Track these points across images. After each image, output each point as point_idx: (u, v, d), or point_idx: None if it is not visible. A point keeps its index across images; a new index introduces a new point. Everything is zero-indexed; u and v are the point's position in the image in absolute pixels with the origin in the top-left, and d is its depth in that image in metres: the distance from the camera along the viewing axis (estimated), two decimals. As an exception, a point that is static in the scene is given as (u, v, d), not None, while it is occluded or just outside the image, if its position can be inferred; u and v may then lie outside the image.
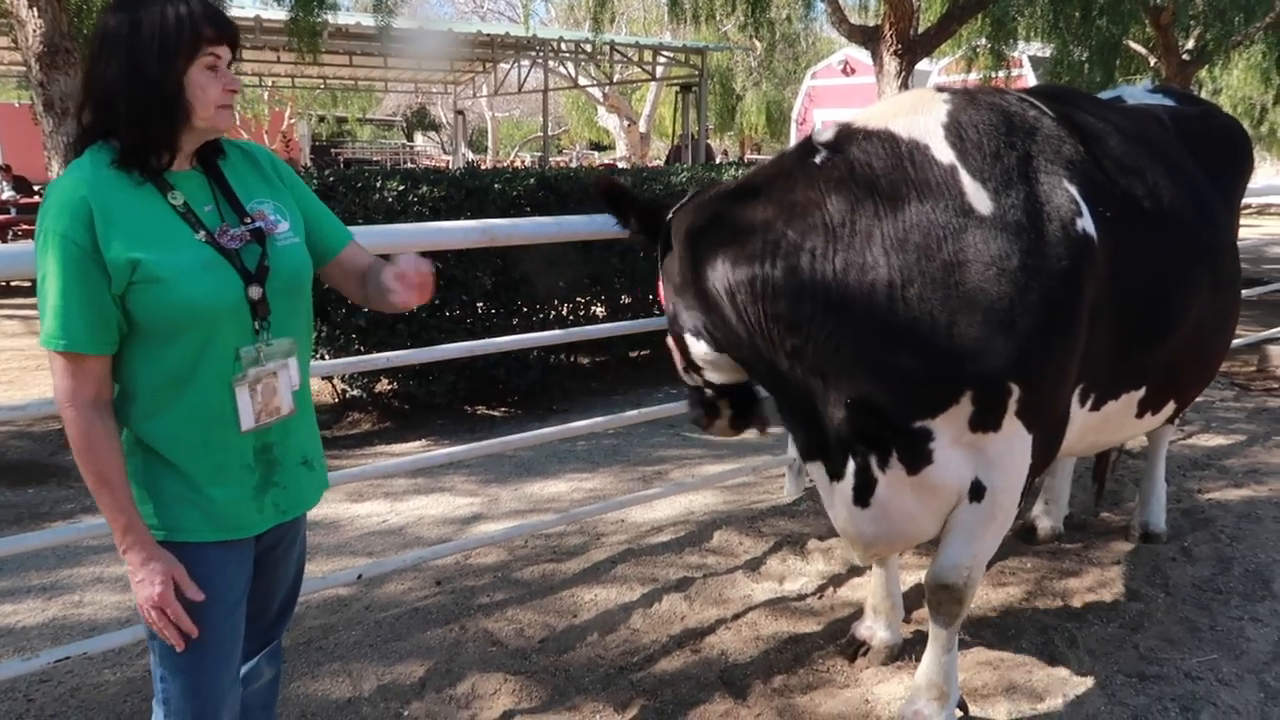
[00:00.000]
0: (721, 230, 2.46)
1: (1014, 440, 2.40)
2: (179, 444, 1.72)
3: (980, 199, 2.31)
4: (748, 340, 2.46)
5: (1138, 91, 3.69)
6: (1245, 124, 3.94)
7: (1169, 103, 3.45)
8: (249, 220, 1.78)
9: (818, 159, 2.42)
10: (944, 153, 2.36)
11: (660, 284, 2.81)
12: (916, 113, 2.46)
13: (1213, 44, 10.55)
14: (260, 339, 1.76)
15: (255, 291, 1.74)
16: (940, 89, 2.61)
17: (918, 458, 2.38)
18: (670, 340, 2.80)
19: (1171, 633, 3.21)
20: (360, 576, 3.35)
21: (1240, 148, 3.51)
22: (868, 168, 2.35)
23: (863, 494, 2.46)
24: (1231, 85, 14.75)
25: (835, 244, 2.30)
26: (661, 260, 2.74)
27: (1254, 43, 11.77)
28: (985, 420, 2.34)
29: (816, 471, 2.60)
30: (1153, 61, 11.80)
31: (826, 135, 2.48)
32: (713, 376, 2.75)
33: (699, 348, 2.65)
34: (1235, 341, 3.45)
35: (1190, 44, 11.19)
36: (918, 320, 2.25)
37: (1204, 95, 13.90)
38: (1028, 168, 2.40)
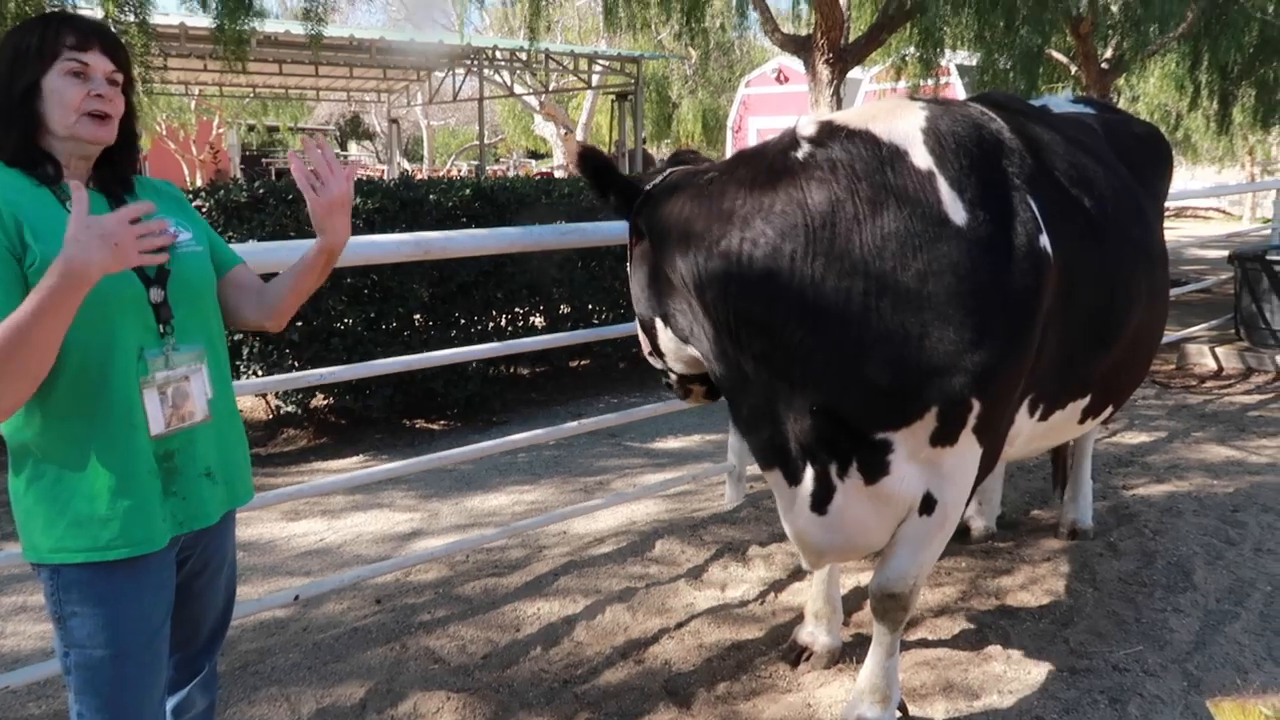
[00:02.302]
0: (697, 220, 2.36)
1: (966, 454, 2.42)
2: (89, 446, 1.68)
3: (956, 210, 2.29)
4: (713, 337, 2.41)
5: (1061, 101, 3.79)
6: (1162, 130, 4.09)
7: (1091, 111, 3.55)
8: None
9: (800, 153, 2.35)
10: (923, 159, 2.33)
11: (629, 265, 2.74)
12: (895, 118, 2.42)
13: (1129, 53, 10.91)
14: (166, 343, 1.74)
15: (156, 294, 1.73)
16: (914, 97, 2.62)
17: (876, 469, 2.37)
18: (637, 323, 2.76)
19: (1100, 626, 3.31)
20: (297, 597, 3.29)
21: (1162, 152, 3.64)
22: (850, 169, 2.29)
23: (820, 502, 2.45)
24: (1148, 93, 15.26)
25: (814, 247, 2.24)
26: (631, 242, 2.66)
27: (1168, 52, 12.22)
28: (944, 436, 2.34)
29: (773, 477, 2.55)
30: (1074, 70, 12.17)
31: (809, 130, 2.42)
32: (676, 366, 2.73)
33: (664, 337, 2.61)
34: (1155, 342, 3.59)
35: (1109, 53, 11.56)
36: (891, 331, 2.22)
37: (1122, 102, 14.41)
38: (998, 180, 2.39)
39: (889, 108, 2.51)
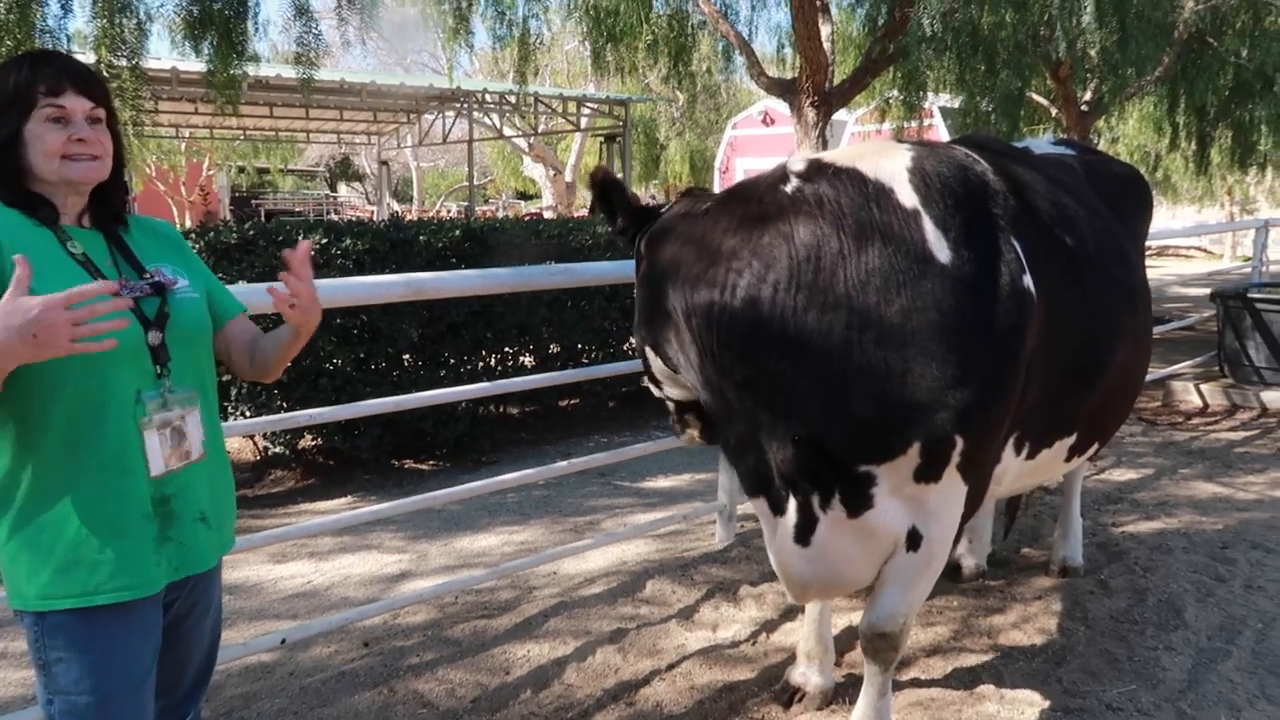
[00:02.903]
0: (686, 249, 2.43)
1: (951, 491, 2.42)
2: (80, 493, 1.67)
3: (940, 248, 2.31)
4: (698, 364, 2.43)
5: (1043, 143, 3.85)
6: (1142, 170, 4.16)
7: (1072, 153, 3.61)
8: (148, 275, 1.80)
9: (789, 188, 2.40)
10: (908, 197, 2.37)
11: (635, 290, 2.78)
12: (882, 157, 2.46)
13: (1108, 95, 11.12)
14: (162, 384, 1.75)
15: (155, 337, 1.74)
16: (899, 139, 2.67)
17: (859, 502, 2.38)
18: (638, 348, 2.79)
19: (1092, 665, 3.29)
20: (284, 641, 3.25)
21: (1142, 193, 3.70)
22: (836, 204, 2.33)
23: (803, 532, 2.45)
24: (1127, 134, 15.52)
25: (798, 279, 2.27)
26: (637, 268, 2.70)
27: (1146, 94, 12.44)
28: (928, 472, 2.34)
29: (759, 505, 2.57)
30: (1054, 112, 12.37)
31: (799, 166, 2.46)
32: (671, 393, 2.77)
33: (656, 363, 2.66)
34: (1140, 379, 3.62)
35: (1088, 95, 11.77)
36: (873, 366, 2.25)
37: (1102, 144, 14.63)
38: (982, 220, 2.42)
39: (876, 148, 2.56)
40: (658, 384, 2.79)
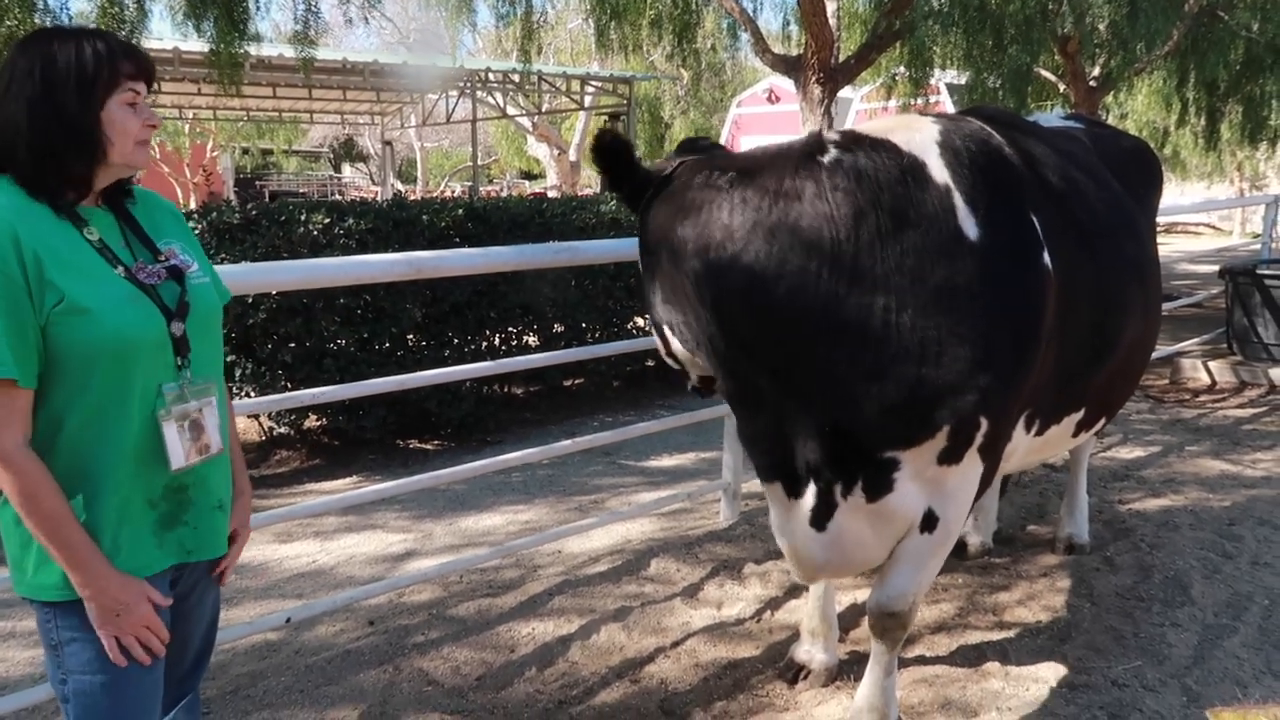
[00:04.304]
0: (714, 230, 2.22)
1: (970, 472, 2.40)
2: (97, 485, 1.65)
3: (970, 225, 2.26)
4: (725, 353, 2.31)
5: (1051, 118, 3.81)
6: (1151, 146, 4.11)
7: (1081, 127, 3.57)
8: (163, 258, 1.77)
9: (826, 159, 2.27)
10: (940, 172, 2.30)
11: (640, 262, 2.58)
12: (912, 130, 2.40)
13: (1116, 71, 11.00)
14: (183, 376, 1.73)
15: (178, 328, 1.72)
16: (923, 114, 2.59)
17: (881, 487, 2.34)
18: (652, 324, 2.64)
19: (1098, 642, 3.29)
20: (289, 620, 3.26)
21: (1152, 167, 3.65)
22: (874, 179, 2.23)
23: (820, 519, 2.40)
24: (1136, 110, 15.39)
25: (840, 263, 2.17)
26: (642, 236, 2.49)
27: (1156, 69, 12.32)
28: (952, 454, 2.31)
29: (773, 491, 2.49)
30: (1062, 88, 12.26)
31: (834, 136, 2.36)
32: (692, 371, 2.63)
33: (675, 344, 2.50)
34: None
35: (1096, 71, 11.66)
36: (909, 349, 2.18)
37: (1111, 119, 14.51)
38: (1005, 196, 2.38)
39: (904, 121, 2.49)
40: (675, 359, 2.64)
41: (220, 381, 1.87)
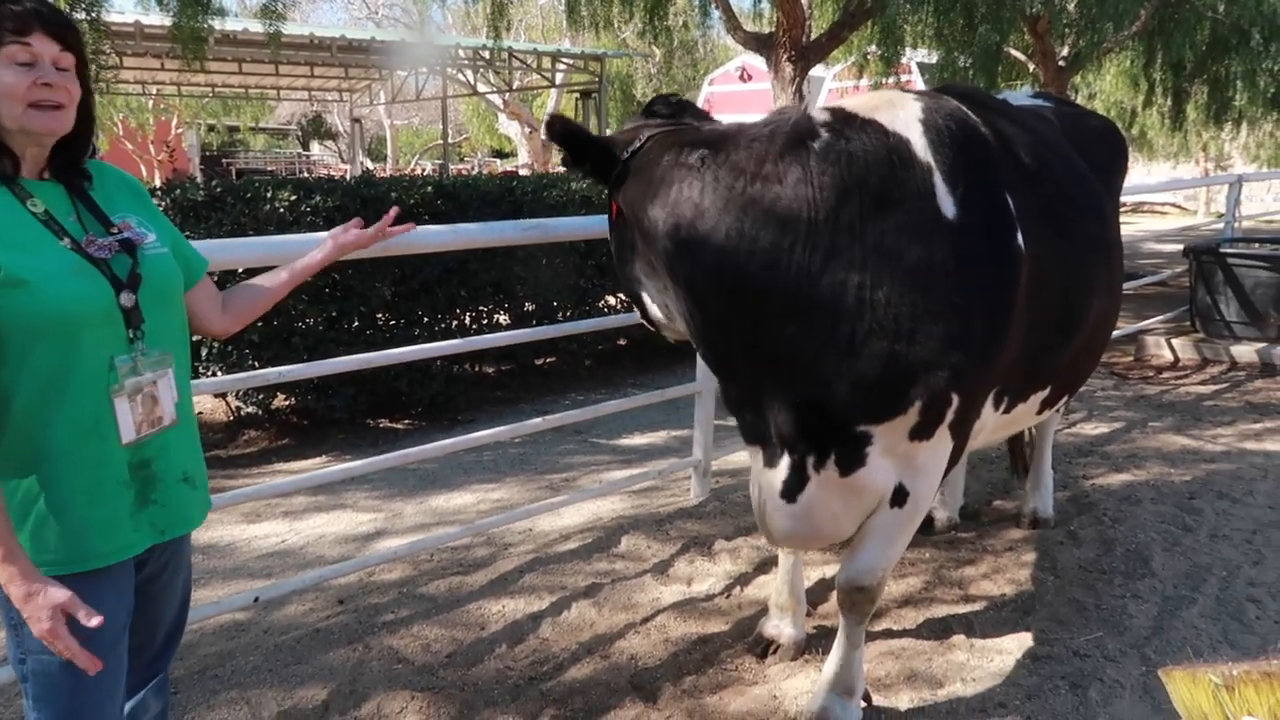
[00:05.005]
0: (685, 209, 2.26)
1: (940, 449, 2.43)
2: (53, 462, 1.63)
3: (948, 205, 2.28)
4: (701, 325, 2.37)
5: (1020, 97, 3.82)
6: (1118, 125, 4.15)
7: (1049, 105, 3.59)
8: (115, 230, 1.73)
9: (817, 144, 2.27)
10: (923, 151, 2.32)
11: (610, 230, 2.64)
12: (895, 108, 2.41)
13: (1085, 50, 11.09)
14: (135, 348, 1.69)
15: (127, 299, 1.67)
16: (904, 90, 2.60)
17: (853, 461, 2.36)
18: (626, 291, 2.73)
19: (1060, 613, 3.35)
20: (257, 599, 3.24)
21: (1118, 146, 3.69)
22: (863, 163, 2.25)
23: (792, 491, 2.44)
24: (1105, 90, 15.53)
25: (817, 240, 2.20)
26: (612, 210, 2.54)
27: (1123, 50, 12.43)
28: (924, 430, 2.34)
29: (753, 454, 2.54)
30: (1031, 68, 12.34)
31: (824, 116, 2.36)
32: (669, 335, 2.74)
33: (653, 311, 2.59)
34: (1114, 333, 3.63)
35: (1066, 50, 11.73)
36: (884, 326, 2.21)
37: (1079, 99, 14.62)
38: (982, 176, 2.40)
39: (887, 99, 2.50)
40: (654, 324, 2.73)
41: (183, 352, 1.83)
